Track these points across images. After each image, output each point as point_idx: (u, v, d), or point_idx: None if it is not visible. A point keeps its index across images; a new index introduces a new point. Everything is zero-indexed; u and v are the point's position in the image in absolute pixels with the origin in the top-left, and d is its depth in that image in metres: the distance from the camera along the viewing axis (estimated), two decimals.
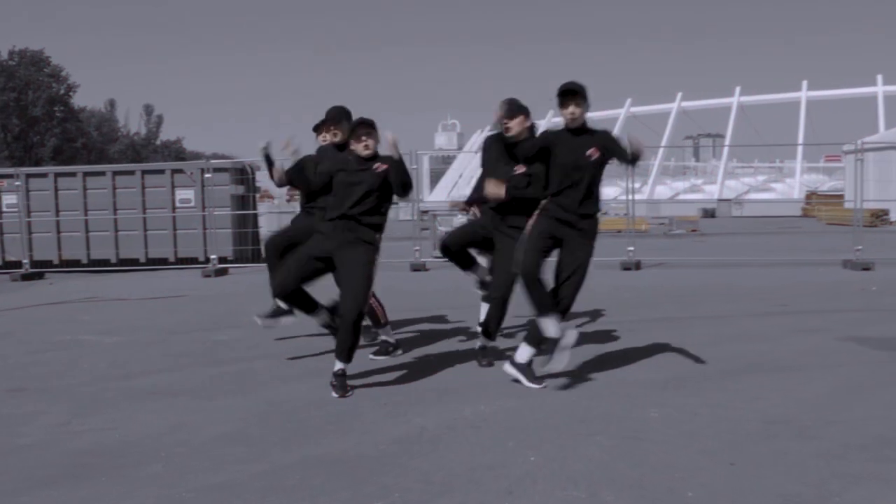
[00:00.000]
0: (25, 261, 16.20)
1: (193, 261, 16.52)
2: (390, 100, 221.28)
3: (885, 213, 32.04)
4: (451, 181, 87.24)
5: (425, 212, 18.03)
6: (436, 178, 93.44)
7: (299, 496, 3.58)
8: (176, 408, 5.20)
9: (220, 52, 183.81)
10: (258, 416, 4.94)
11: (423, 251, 14.98)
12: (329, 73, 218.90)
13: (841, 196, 44.90)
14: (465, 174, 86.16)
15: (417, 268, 14.63)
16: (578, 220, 5.38)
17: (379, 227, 5.64)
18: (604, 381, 5.63)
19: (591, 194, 5.41)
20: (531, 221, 5.49)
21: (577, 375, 5.74)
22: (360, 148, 5.63)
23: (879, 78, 65.82)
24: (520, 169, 5.83)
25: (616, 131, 8.15)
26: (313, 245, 5.66)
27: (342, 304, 5.43)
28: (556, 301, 5.38)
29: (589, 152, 5.35)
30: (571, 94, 5.34)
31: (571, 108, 5.35)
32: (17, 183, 16.69)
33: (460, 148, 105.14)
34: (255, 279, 14.37)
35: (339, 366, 5.39)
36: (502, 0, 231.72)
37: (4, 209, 17.21)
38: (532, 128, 6.00)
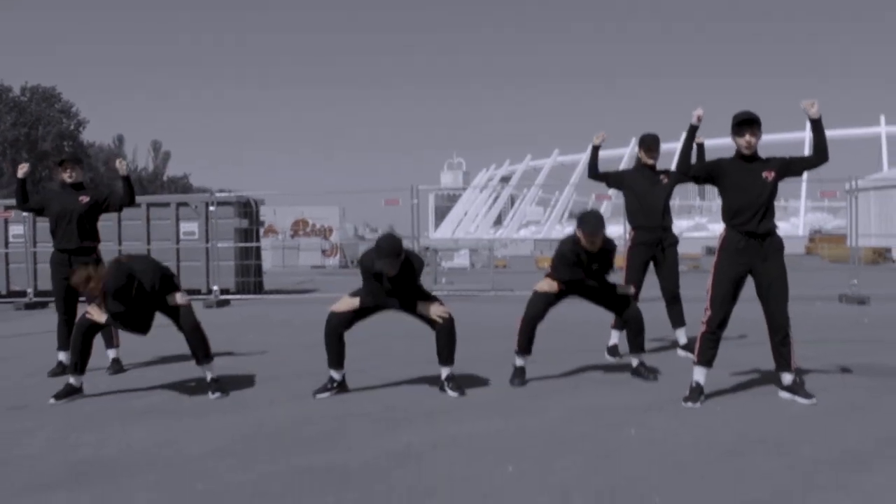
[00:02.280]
0: (30, 290, 16.41)
1: (196, 292, 16.70)
2: (396, 138, 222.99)
3: (888, 250, 32.19)
4: (457, 218, 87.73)
5: (426, 248, 18.31)
6: (441, 215, 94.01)
7: (286, 500, 3.74)
8: (169, 426, 5.36)
9: (227, 88, 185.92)
10: (248, 433, 5.10)
11: (425, 284, 15.11)
12: (336, 111, 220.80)
13: (843, 236, 45.22)
14: (469, 211, 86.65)
15: None
16: (762, 241, 5.70)
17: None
18: (586, 405, 5.77)
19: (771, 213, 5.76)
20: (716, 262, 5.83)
21: (559, 401, 5.88)
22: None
23: (882, 118, 66.44)
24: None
25: (622, 167, 8.48)
26: None
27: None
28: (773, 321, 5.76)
29: (765, 174, 5.69)
30: (750, 123, 5.70)
31: (748, 137, 5.68)
32: (24, 214, 16.94)
33: (465, 186, 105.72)
34: (255, 310, 14.59)
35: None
36: (509, 40, 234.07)
37: (11, 239, 17.46)
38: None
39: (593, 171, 8.03)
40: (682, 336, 7.93)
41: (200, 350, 6.38)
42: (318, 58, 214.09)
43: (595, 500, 3.70)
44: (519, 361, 6.62)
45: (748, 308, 6.75)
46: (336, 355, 6.20)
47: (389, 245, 5.86)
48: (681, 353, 7.83)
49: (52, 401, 6.18)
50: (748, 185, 5.64)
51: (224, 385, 6.42)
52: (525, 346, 6.60)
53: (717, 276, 5.74)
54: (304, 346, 9.03)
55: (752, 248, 5.67)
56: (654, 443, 4.68)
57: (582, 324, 10.24)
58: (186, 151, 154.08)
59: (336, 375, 6.24)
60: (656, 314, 8.11)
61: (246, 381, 6.92)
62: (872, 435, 4.77)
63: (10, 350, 9.36)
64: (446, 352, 6.23)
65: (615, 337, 7.82)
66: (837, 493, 3.73)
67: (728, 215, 5.74)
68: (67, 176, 7.43)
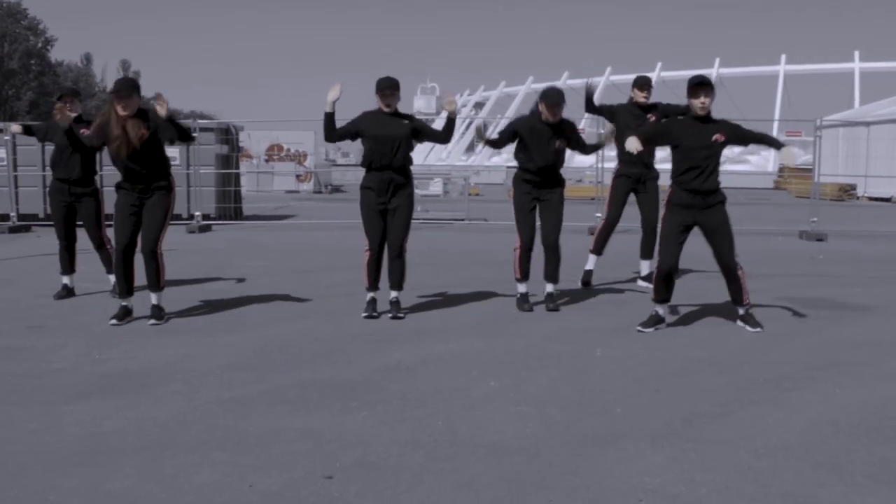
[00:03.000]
0: (13, 214, 16.68)
1: (177, 217, 17.09)
2: (368, 61, 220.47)
3: (853, 187, 32.97)
4: (428, 144, 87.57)
5: None
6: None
7: (299, 406, 4.35)
8: (183, 343, 5.93)
9: (196, 10, 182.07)
10: (256, 350, 5.68)
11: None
12: (307, 33, 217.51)
13: (811, 171, 45.75)
14: None
15: None
16: (705, 197, 6.24)
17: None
18: (561, 327, 6.42)
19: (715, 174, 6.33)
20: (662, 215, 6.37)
21: (539, 324, 6.53)
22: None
23: (856, 54, 66.96)
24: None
25: (596, 98, 8.96)
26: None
27: None
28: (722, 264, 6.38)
29: (715, 137, 6.17)
30: (704, 85, 6.20)
31: (702, 98, 6.17)
32: (6, 137, 17.11)
33: (439, 111, 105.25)
34: (237, 235, 15.06)
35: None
36: None
37: None
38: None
39: (591, 106, 8.53)
40: (645, 267, 8.56)
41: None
42: None
43: (566, 409, 4.33)
44: (521, 288, 7.24)
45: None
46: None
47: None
48: (641, 283, 8.47)
49: (113, 322, 6.57)
50: (697, 146, 6.17)
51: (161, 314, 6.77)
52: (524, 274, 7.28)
53: (665, 227, 6.33)
54: (293, 271, 9.59)
55: (697, 204, 6.24)
56: (617, 361, 5.33)
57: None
58: (156, 72, 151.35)
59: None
60: (636, 246, 8.71)
61: (245, 302, 7.48)
62: (805, 359, 5.45)
63: (8, 273, 9.80)
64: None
65: (591, 263, 8.46)
66: (768, 406, 4.40)
67: (676, 173, 6.29)
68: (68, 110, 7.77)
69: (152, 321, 6.63)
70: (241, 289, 8.28)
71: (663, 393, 4.62)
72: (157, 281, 6.69)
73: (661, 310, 6.42)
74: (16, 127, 8.36)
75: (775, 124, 66.21)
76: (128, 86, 6.52)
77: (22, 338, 6.15)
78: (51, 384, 4.88)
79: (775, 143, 6.75)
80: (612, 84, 76.90)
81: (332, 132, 6.77)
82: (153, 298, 6.74)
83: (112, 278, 8.11)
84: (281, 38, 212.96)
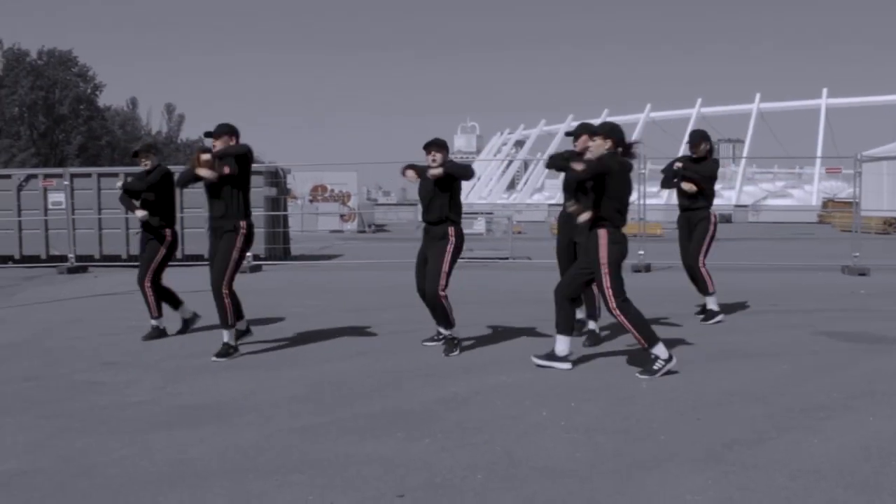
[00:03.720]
0: (71, 255, 17.37)
1: None
2: (410, 101, 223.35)
3: None
4: (470, 183, 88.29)
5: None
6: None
7: (366, 434, 4.73)
8: (249, 378, 6.34)
9: (239, 52, 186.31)
10: (318, 384, 6.08)
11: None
12: (350, 75, 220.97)
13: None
14: (483, 175, 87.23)
15: None
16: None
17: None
18: (606, 360, 6.73)
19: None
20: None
21: (586, 357, 6.84)
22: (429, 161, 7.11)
23: None
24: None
25: (636, 136, 9.47)
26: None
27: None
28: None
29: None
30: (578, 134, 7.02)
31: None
32: (65, 182, 17.87)
33: (479, 150, 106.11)
34: (288, 275, 15.55)
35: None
36: (520, 3, 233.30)
37: (50, 207, 18.35)
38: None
39: (668, 184, 9.21)
40: (711, 302, 8.94)
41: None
42: (331, 22, 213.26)
43: (613, 436, 4.65)
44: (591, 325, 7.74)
45: (751, 278, 7.60)
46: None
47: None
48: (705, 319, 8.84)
49: (213, 359, 7.06)
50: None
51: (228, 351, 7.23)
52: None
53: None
54: (345, 310, 10.01)
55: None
56: (660, 393, 5.63)
57: None
58: (200, 114, 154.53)
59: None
60: (671, 282, 9.02)
61: (303, 340, 7.89)
62: (841, 389, 5.70)
63: (73, 312, 10.34)
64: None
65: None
66: (803, 433, 4.67)
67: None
68: (143, 164, 8.30)
69: (213, 357, 7.11)
70: (297, 327, 8.69)
71: (704, 422, 4.92)
72: (223, 318, 7.17)
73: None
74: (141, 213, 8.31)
75: (817, 161, 66.21)
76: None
77: (100, 373, 6.61)
78: (134, 415, 5.30)
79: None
80: (651, 121, 77.17)
81: None
82: (224, 335, 7.24)
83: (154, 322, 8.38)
84: (322, 79, 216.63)
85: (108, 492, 3.90)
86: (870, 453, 4.32)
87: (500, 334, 8.04)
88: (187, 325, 8.60)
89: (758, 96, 73.68)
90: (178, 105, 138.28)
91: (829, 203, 52.02)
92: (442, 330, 7.28)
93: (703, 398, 5.48)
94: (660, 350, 6.15)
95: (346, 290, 12.28)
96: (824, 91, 70.75)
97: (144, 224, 8.30)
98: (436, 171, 6.97)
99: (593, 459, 4.26)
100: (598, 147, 6.24)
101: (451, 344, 7.14)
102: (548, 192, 76.17)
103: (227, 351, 7.20)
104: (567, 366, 6.37)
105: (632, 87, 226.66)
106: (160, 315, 8.37)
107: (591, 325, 7.65)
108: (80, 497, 3.85)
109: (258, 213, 17.77)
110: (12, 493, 3.89)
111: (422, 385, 5.99)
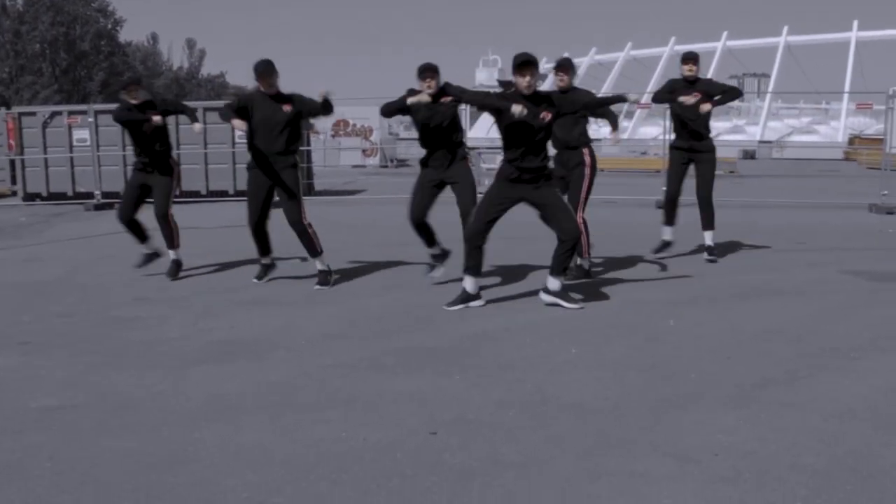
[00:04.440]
0: (97, 192, 17.45)
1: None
2: (430, 34, 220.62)
3: None
4: (491, 118, 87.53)
5: (470, 148, 18.93)
6: (476, 114, 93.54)
7: (398, 371, 4.79)
8: (282, 314, 6.41)
9: None
10: (352, 320, 6.13)
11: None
12: (370, 9, 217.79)
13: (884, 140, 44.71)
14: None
15: None
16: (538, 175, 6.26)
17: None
18: (633, 298, 6.74)
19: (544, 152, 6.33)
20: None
21: (610, 295, 6.85)
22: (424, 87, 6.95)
23: None
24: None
25: (660, 67, 9.10)
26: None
27: None
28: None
29: (542, 115, 6.15)
30: (528, 64, 6.00)
31: (528, 79, 6.05)
32: (89, 119, 17.88)
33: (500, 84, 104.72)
34: (312, 210, 15.47)
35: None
36: None
37: (75, 143, 18.38)
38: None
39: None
40: (708, 238, 8.76)
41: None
42: None
43: (642, 374, 4.68)
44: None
45: (777, 216, 7.49)
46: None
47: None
48: (706, 256, 8.66)
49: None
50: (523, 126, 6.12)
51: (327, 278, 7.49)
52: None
53: (484, 200, 6.40)
54: (372, 245, 10.06)
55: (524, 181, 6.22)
56: (689, 331, 5.64)
57: (635, 226, 11.13)
58: (221, 49, 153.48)
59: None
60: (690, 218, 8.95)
61: (337, 276, 7.92)
62: (873, 330, 5.67)
63: (104, 248, 10.43)
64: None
65: (667, 233, 8.75)
66: (835, 374, 4.67)
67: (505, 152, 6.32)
68: (132, 98, 7.96)
69: (316, 286, 7.43)
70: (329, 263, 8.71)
71: (735, 360, 4.92)
72: (312, 249, 7.51)
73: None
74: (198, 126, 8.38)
75: (845, 96, 65.01)
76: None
77: (133, 309, 6.70)
78: (169, 351, 5.38)
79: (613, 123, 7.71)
80: (675, 53, 75.89)
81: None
82: (317, 264, 7.55)
83: (172, 255, 8.30)
84: (342, 15, 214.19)
85: (147, 427, 3.97)
86: None
87: (527, 271, 8.02)
88: (150, 259, 8.39)
89: (785, 29, 72.30)
90: (199, 40, 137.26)
91: (855, 140, 51.29)
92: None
93: (733, 337, 5.48)
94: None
95: (371, 226, 12.30)
96: (854, 23, 69.27)
97: (156, 155, 8.16)
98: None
99: (623, 397, 4.29)
100: None
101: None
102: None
103: (326, 279, 7.48)
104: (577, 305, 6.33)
105: (655, 21, 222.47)
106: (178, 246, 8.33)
107: (578, 260, 7.55)
108: (119, 431, 3.93)
109: None
110: (52, 429, 3.98)
111: (452, 321, 6.03)
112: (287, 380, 4.69)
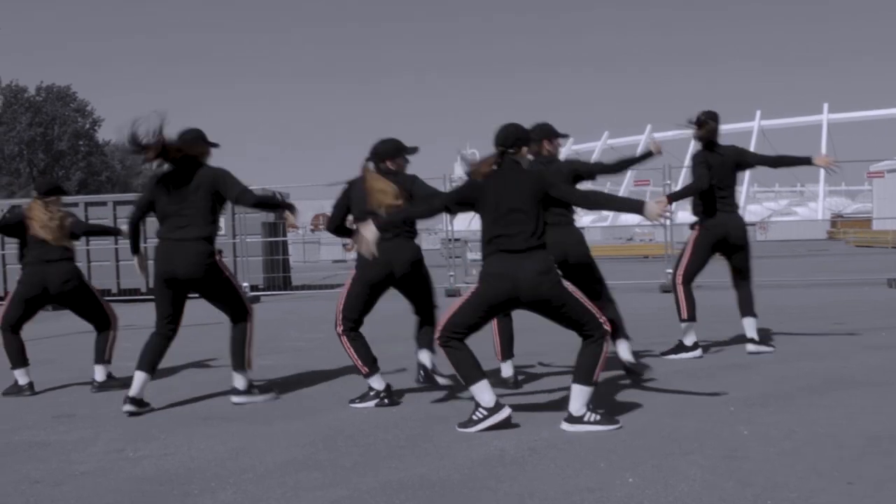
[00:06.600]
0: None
1: None
2: (408, 128, 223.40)
3: None
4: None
5: (455, 239, 17.92)
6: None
7: None
8: (234, 433, 4.96)
9: (238, 83, 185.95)
10: (323, 440, 4.69)
11: (455, 276, 15.29)
12: (351, 103, 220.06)
13: (868, 219, 44.51)
14: None
15: (452, 293, 14.53)
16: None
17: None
18: (680, 399, 5.35)
19: None
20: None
21: (659, 396, 5.45)
22: None
23: None
24: None
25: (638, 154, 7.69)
26: None
27: None
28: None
29: None
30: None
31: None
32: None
33: None
34: (288, 306, 14.23)
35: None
36: (519, 30, 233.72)
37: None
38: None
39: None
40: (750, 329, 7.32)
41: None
42: (330, 50, 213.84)
43: None
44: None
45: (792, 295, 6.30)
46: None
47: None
48: (750, 347, 7.20)
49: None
50: None
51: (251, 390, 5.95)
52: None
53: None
54: None
55: None
56: (772, 441, 4.23)
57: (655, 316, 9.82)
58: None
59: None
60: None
61: (304, 382, 6.57)
62: None
63: (46, 352, 9.00)
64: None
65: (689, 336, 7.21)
66: None
67: None
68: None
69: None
70: (296, 365, 7.36)
71: (859, 487, 3.50)
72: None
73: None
74: None
75: (821, 177, 64.94)
76: None
77: (48, 431, 5.25)
78: (73, 494, 3.93)
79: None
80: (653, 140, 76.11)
81: None
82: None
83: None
84: (322, 107, 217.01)
85: None
86: None
87: (551, 368, 6.66)
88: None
89: (758, 113, 73.00)
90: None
91: (838, 223, 50.86)
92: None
93: (838, 449, 4.08)
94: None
95: None
96: (825, 106, 70.29)
97: None
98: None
99: None
100: None
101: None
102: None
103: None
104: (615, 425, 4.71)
105: (631, 109, 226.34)
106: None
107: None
108: None
109: (255, 239, 16.53)
110: None
111: (457, 439, 4.57)
112: None
